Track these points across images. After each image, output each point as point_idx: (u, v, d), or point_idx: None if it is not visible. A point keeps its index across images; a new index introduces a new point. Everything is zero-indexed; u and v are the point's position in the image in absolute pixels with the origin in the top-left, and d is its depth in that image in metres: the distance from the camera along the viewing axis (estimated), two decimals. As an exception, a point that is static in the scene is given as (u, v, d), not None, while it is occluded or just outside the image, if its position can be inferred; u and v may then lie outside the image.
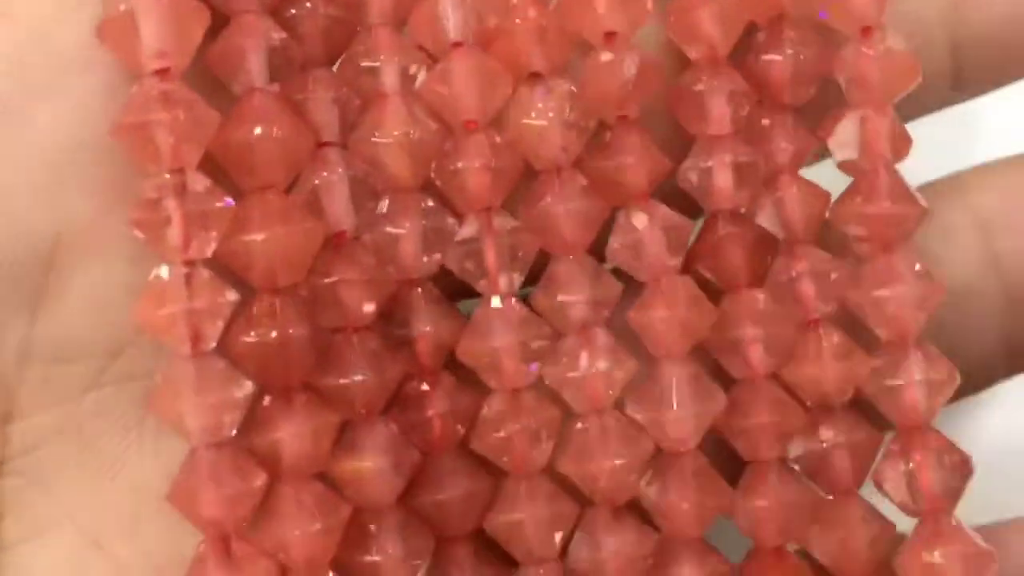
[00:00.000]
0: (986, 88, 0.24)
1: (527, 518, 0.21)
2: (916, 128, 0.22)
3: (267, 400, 0.20)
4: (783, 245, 0.22)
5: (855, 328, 0.22)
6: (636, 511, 0.22)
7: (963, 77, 0.23)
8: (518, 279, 0.21)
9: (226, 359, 0.19)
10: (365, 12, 0.21)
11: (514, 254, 0.21)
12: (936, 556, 0.21)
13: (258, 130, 0.19)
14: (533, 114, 0.21)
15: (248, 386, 0.19)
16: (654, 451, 0.21)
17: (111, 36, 0.19)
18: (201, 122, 0.19)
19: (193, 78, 0.19)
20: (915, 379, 0.21)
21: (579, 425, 0.21)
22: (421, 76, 0.21)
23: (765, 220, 0.22)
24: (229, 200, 0.19)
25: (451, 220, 0.21)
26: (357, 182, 0.20)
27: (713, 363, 0.22)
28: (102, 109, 0.20)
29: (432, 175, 0.21)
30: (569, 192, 0.21)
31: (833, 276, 0.21)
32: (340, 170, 0.20)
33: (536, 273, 0.21)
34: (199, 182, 0.19)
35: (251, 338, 0.20)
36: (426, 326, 0.21)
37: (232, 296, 0.19)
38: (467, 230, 0.21)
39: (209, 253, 0.19)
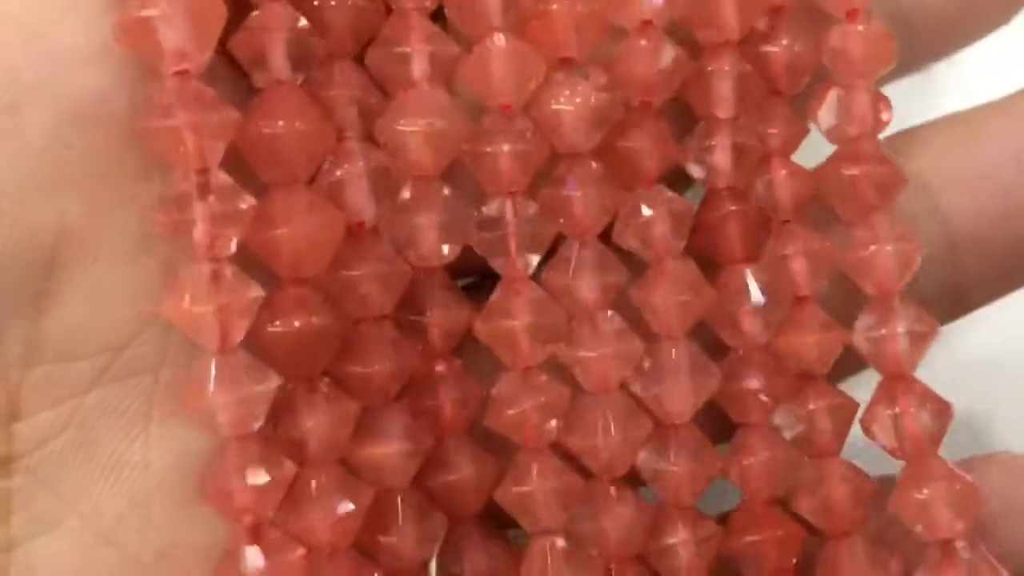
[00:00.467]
0: None
1: (536, 490, 0.22)
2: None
3: (292, 389, 0.20)
4: (776, 225, 0.23)
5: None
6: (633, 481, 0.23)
7: None
8: (535, 261, 0.22)
9: (251, 350, 0.20)
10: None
11: (534, 237, 0.21)
12: (926, 494, 0.22)
13: (281, 124, 0.20)
14: (562, 99, 0.21)
15: (274, 379, 0.20)
16: (653, 426, 0.22)
17: (129, 35, 0.19)
18: (223, 122, 0.19)
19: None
20: (898, 331, 0.22)
21: (585, 402, 0.22)
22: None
23: (758, 200, 0.23)
24: (251, 199, 0.20)
25: (471, 209, 0.21)
26: (378, 173, 0.21)
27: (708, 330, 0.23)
28: (96, 108, 0.20)
29: (463, 157, 0.21)
30: (589, 178, 0.21)
31: (823, 255, 0.23)
32: (361, 162, 0.21)
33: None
34: (222, 180, 0.19)
35: (277, 328, 0.20)
36: (440, 313, 0.21)
37: (257, 292, 0.20)
38: (491, 209, 0.21)
39: (232, 250, 0.19)
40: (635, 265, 0.22)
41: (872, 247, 0.23)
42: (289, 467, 0.20)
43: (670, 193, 0.22)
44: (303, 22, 0.20)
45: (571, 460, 0.22)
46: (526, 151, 0.21)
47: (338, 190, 0.20)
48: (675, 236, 0.22)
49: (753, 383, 0.23)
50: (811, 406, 0.23)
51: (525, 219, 0.21)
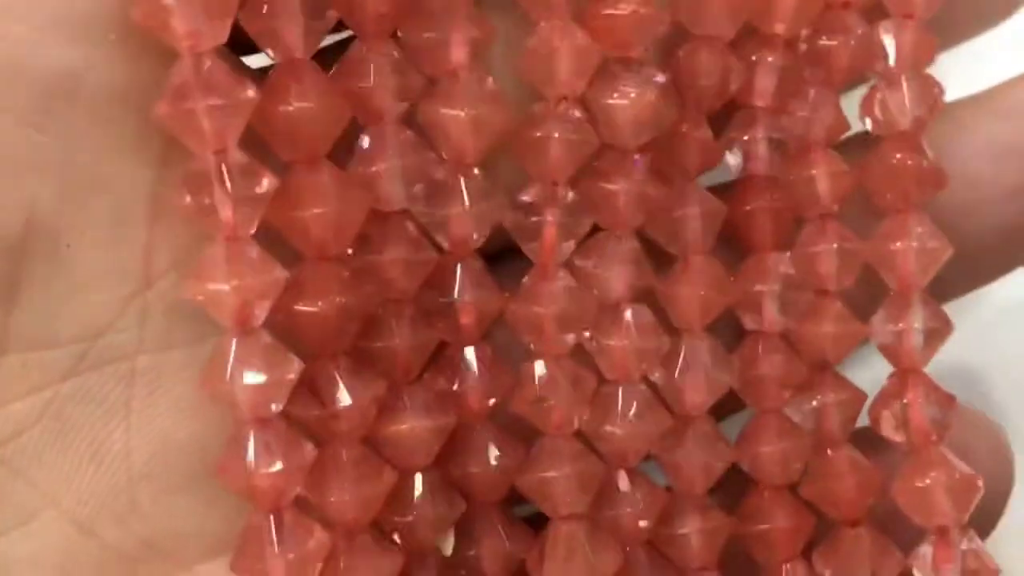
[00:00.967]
0: None
1: (559, 476, 0.22)
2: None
3: (317, 367, 0.20)
4: (812, 217, 0.23)
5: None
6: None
7: None
8: (568, 249, 0.21)
9: (276, 329, 0.19)
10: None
11: (571, 227, 0.21)
12: (927, 481, 0.23)
13: (298, 103, 0.19)
14: (616, 95, 0.21)
15: (296, 362, 0.19)
16: (671, 417, 0.22)
17: (143, 16, 0.18)
18: (240, 104, 0.19)
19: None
20: (914, 327, 0.23)
21: (607, 391, 0.22)
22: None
23: (796, 192, 0.23)
24: (272, 177, 0.19)
25: (502, 195, 0.21)
26: (412, 159, 0.20)
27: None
28: (69, 88, 0.19)
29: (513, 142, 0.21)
30: (635, 174, 0.21)
31: (854, 254, 0.23)
32: (395, 151, 0.20)
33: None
34: (241, 160, 0.19)
35: (301, 306, 0.20)
36: (472, 297, 0.21)
37: (281, 273, 0.19)
38: (531, 195, 0.21)
39: (253, 229, 0.19)
40: (657, 255, 0.22)
41: (899, 242, 0.23)
42: (310, 450, 0.20)
43: (704, 192, 0.22)
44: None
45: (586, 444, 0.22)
46: (577, 141, 0.21)
47: (372, 179, 0.20)
48: (706, 234, 0.22)
49: (769, 369, 0.23)
50: (822, 396, 0.23)
51: (565, 207, 0.21)
